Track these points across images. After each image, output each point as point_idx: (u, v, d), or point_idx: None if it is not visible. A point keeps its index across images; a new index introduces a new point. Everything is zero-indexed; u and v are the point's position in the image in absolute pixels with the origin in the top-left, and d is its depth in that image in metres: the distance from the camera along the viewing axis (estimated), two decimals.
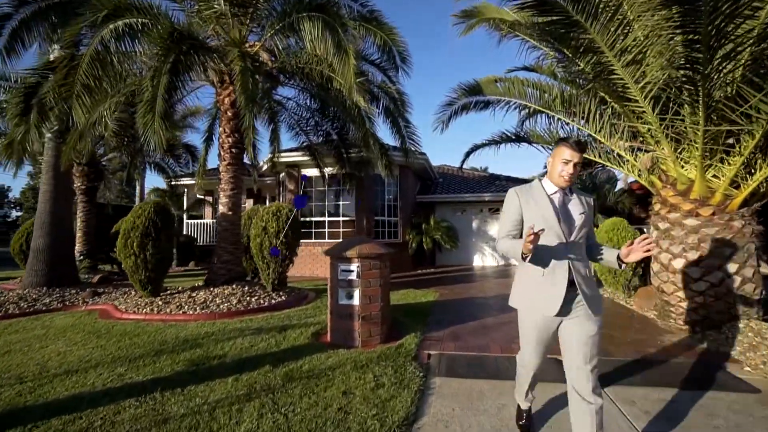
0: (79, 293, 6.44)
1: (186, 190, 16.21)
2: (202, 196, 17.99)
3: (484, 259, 13.14)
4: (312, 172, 10.95)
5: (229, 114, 6.62)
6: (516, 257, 1.85)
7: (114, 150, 9.90)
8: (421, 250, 11.63)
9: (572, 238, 1.89)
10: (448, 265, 12.52)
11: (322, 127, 8.52)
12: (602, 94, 4.49)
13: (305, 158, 10.24)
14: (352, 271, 3.88)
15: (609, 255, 1.99)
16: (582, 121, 4.91)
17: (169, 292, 6.19)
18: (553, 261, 1.88)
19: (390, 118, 6.57)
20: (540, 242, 1.80)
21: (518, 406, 2.34)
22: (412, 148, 7.02)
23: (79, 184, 10.35)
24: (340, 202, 10.96)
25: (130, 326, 4.68)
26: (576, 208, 1.93)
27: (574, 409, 1.84)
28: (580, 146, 1.86)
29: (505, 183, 13.63)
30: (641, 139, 4.38)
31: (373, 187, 10.85)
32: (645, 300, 5.13)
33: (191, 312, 5.08)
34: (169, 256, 5.92)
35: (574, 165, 1.85)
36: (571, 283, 1.86)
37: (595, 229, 6.60)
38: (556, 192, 1.94)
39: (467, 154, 6.89)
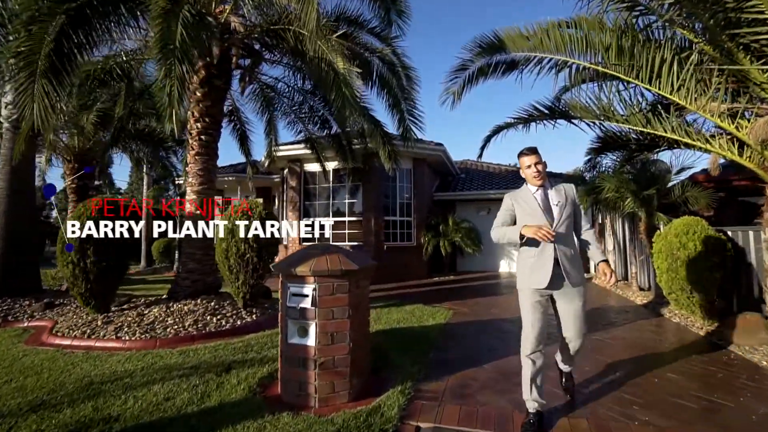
0: (32, 305, 5.59)
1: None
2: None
3: (512, 266, 11.56)
4: (314, 167, 9.83)
5: (198, 94, 5.57)
6: (512, 238, 2.34)
7: (112, 145, 9.16)
8: (438, 254, 10.25)
9: (556, 222, 2.32)
10: (469, 271, 11.06)
11: (318, 112, 7.35)
12: (684, 32, 3.01)
13: (306, 151, 9.13)
14: (306, 295, 2.64)
15: (592, 255, 2.51)
16: (648, 80, 3.43)
17: (126, 306, 5.21)
18: (542, 244, 2.31)
19: (385, 88, 5.24)
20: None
21: (526, 410, 2.39)
22: (414, 130, 5.67)
23: (69, 183, 9.73)
24: (346, 201, 9.79)
25: (42, 357, 3.66)
26: (555, 198, 2.38)
27: (562, 343, 2.53)
28: (531, 150, 2.40)
29: None
30: (751, 95, 2.89)
31: (383, 184, 9.59)
32: (746, 335, 3.58)
33: (128, 338, 4.02)
34: (121, 264, 4.93)
35: (536, 165, 2.36)
36: (557, 262, 2.30)
37: (658, 232, 5.05)
38: (537, 190, 2.41)
39: (488, 139, 5.48)
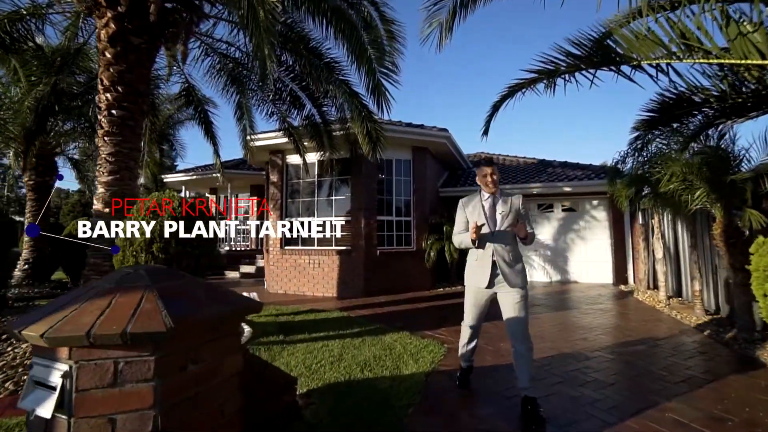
0: None
1: (183, 187, 14.60)
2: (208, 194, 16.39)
3: (531, 273, 9.84)
4: (299, 159, 8.43)
5: (108, 55, 4.25)
6: (468, 244, 2.65)
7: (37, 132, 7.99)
8: (443, 260, 8.65)
9: (497, 231, 2.61)
10: None
11: (286, 86, 5.94)
12: None
13: (283, 140, 7.75)
14: (52, 387, 1.19)
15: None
16: None
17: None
18: (482, 248, 2.63)
19: (346, 29, 3.65)
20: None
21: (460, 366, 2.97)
22: (387, 85, 4.10)
23: (26, 179, 8.72)
24: (333, 197, 8.34)
25: None
26: (500, 208, 2.65)
27: (515, 355, 2.55)
28: (488, 161, 2.73)
29: (560, 170, 10.22)
30: None
31: (376, 177, 8.09)
32: None
33: None
34: None
35: (491, 174, 2.65)
36: (495, 265, 2.59)
37: (761, 239, 3.37)
38: (488, 198, 2.70)
39: (496, 106, 3.90)
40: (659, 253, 6.68)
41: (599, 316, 5.54)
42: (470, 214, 2.70)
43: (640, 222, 8.11)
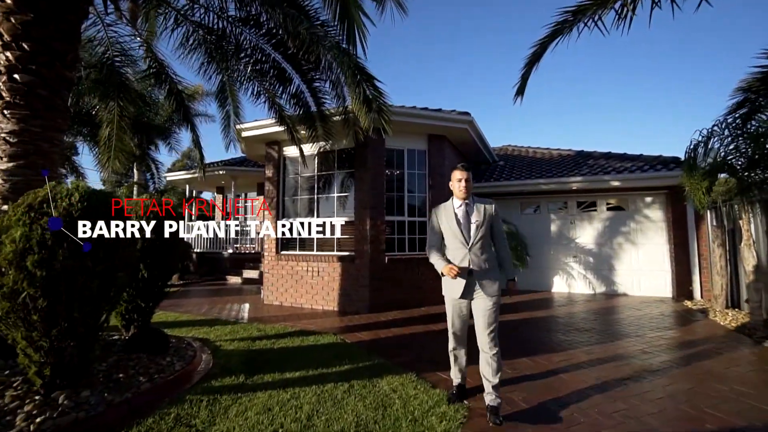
0: None
1: (188, 186, 13.84)
2: (213, 192, 15.62)
3: (570, 284, 8.34)
4: (294, 151, 7.29)
5: (8, 1, 3.20)
6: (438, 270, 2.65)
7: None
8: None
9: (471, 240, 2.57)
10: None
11: (267, 55, 4.79)
12: None
13: (277, 129, 6.64)
14: None
15: (505, 272, 2.70)
16: None
17: None
18: (458, 258, 2.58)
19: None
20: (450, 246, 2.65)
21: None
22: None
23: None
24: (335, 195, 7.16)
25: None
26: (474, 216, 2.59)
27: (481, 360, 2.60)
28: (465, 167, 2.64)
29: (604, 162, 8.65)
30: None
31: (383, 170, 6.85)
32: None
33: None
34: None
35: (465, 180, 2.59)
36: (470, 273, 2.54)
37: None
38: (461, 205, 2.63)
39: (543, 46, 2.59)
40: (749, 264, 5.11)
41: (678, 352, 4.09)
42: (443, 224, 2.67)
43: (713, 223, 6.50)
